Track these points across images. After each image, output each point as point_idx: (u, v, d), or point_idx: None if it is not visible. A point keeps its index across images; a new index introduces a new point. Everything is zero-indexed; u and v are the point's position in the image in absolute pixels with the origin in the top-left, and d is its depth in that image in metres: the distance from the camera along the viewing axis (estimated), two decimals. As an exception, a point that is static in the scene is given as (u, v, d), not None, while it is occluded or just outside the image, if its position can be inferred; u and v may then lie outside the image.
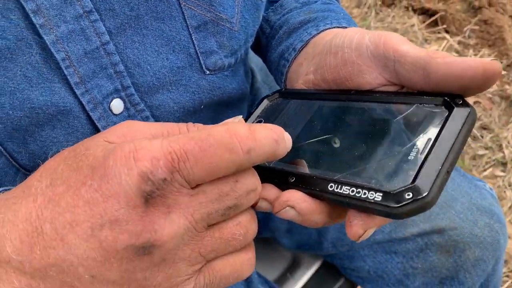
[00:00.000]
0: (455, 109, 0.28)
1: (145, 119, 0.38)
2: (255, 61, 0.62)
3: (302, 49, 0.42)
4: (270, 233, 0.63)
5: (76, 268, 0.24)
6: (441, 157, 0.26)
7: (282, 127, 0.35)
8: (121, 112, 0.36)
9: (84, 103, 0.34)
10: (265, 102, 0.39)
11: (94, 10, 0.33)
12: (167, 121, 0.39)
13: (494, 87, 1.58)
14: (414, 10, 1.87)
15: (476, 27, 1.77)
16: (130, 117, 0.37)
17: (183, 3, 0.36)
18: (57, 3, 0.31)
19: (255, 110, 0.39)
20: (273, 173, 0.31)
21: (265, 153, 0.26)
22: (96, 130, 0.36)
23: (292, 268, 0.59)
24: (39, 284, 0.25)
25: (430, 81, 0.30)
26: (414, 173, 0.26)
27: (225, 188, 0.26)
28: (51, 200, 0.25)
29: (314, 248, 0.60)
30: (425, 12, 1.86)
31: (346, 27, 0.42)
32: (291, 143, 0.28)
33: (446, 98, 0.29)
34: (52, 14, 0.31)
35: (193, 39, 0.38)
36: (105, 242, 0.24)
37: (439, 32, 1.79)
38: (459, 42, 1.74)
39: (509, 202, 1.32)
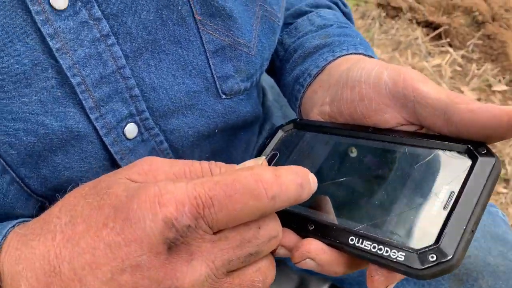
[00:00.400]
0: (480, 159, 0.27)
1: (159, 143, 0.37)
2: (266, 79, 0.62)
3: (317, 75, 0.41)
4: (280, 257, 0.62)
5: None
6: (466, 214, 0.25)
7: (298, 163, 0.35)
8: (135, 137, 0.36)
9: (98, 128, 0.33)
10: (280, 133, 0.39)
11: (111, 34, 0.32)
12: (181, 146, 0.38)
13: (497, 102, 1.58)
14: (418, 23, 1.88)
15: (480, 42, 1.77)
16: (144, 141, 0.36)
17: (202, 28, 0.36)
18: (75, 26, 0.31)
19: (269, 141, 0.38)
20: (291, 218, 0.31)
21: (290, 198, 0.25)
22: (110, 155, 0.35)
23: (300, 290, 0.58)
24: None
25: (451, 126, 0.29)
26: (438, 230, 0.25)
27: (248, 235, 0.25)
28: (70, 239, 0.24)
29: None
30: (429, 25, 1.86)
31: (362, 54, 0.42)
32: (316, 185, 0.27)
33: (469, 146, 0.28)
34: (69, 38, 0.31)
35: (210, 63, 0.37)
36: (125, 286, 0.23)
37: (442, 46, 1.79)
38: (462, 56, 1.74)
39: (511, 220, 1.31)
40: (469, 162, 0.27)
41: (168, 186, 0.24)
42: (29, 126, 0.31)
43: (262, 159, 0.30)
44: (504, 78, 1.64)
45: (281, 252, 0.30)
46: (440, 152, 0.29)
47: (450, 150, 0.29)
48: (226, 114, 0.40)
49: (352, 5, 2.01)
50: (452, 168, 0.28)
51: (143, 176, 0.27)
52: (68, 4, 0.30)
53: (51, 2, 0.29)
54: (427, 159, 0.29)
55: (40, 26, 0.29)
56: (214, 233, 0.25)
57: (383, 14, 1.93)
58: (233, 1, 0.36)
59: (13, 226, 0.28)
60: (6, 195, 0.32)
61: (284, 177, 0.25)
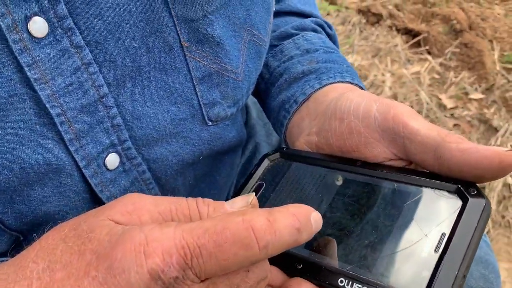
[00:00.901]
0: (470, 200, 0.27)
1: (142, 173, 0.36)
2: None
3: (303, 102, 0.41)
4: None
5: None
6: (458, 259, 0.25)
7: (285, 195, 0.34)
8: (116, 167, 0.34)
9: (77, 160, 0.32)
10: (266, 162, 0.38)
11: (93, 62, 0.31)
12: (164, 174, 0.37)
13: (473, 110, 1.61)
14: (398, 30, 1.90)
15: (457, 50, 1.80)
16: (126, 172, 0.35)
17: (188, 55, 0.34)
18: (55, 55, 0.29)
19: (255, 170, 0.37)
20: (278, 255, 0.30)
21: (284, 245, 0.24)
22: (89, 187, 0.33)
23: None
24: None
25: (442, 165, 0.28)
26: (429, 275, 0.25)
27: (236, 280, 0.24)
28: (47, 286, 0.23)
29: None
30: (408, 32, 1.88)
31: (349, 82, 0.41)
32: (321, 224, 0.25)
33: (459, 186, 0.28)
34: (49, 67, 0.29)
35: (197, 90, 0.36)
36: None
37: (421, 53, 1.81)
38: (441, 64, 1.76)
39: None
40: (459, 203, 0.27)
41: (154, 233, 0.23)
42: (4, 161, 0.29)
43: (251, 196, 0.28)
44: (480, 86, 1.67)
45: None
46: (430, 191, 0.29)
47: (440, 189, 0.29)
48: (211, 141, 0.39)
49: (333, 11, 2.02)
50: (442, 208, 0.28)
51: (127, 216, 0.25)
52: (48, 31, 0.28)
53: (29, 29, 0.28)
54: (416, 197, 0.29)
55: (17, 55, 0.28)
56: (202, 281, 0.23)
57: (364, 21, 1.95)
58: (221, 28, 0.35)
59: None
60: None
61: (279, 222, 0.23)
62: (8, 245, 0.32)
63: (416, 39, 1.83)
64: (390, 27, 1.91)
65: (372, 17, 1.95)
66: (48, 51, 0.29)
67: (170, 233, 0.22)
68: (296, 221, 0.24)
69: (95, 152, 0.32)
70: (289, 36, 0.49)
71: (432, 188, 0.29)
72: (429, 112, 1.57)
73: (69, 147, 0.31)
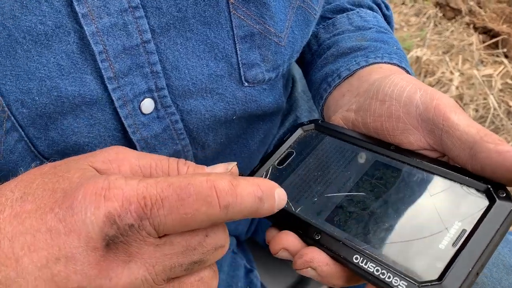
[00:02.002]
0: (497, 202, 0.26)
1: (174, 123, 0.37)
2: (298, 68, 0.60)
3: (346, 78, 0.40)
4: None
5: None
6: (475, 256, 0.24)
7: (314, 167, 0.34)
8: (151, 113, 0.35)
9: (114, 99, 0.33)
10: (299, 132, 0.38)
11: (140, 6, 0.32)
12: (196, 128, 0.38)
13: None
14: (476, 28, 1.79)
15: (539, 57, 1.67)
16: (159, 118, 0.36)
17: (233, 11, 0.34)
18: None
19: (288, 138, 0.37)
20: (299, 223, 0.30)
21: (244, 210, 0.24)
22: (122, 127, 0.35)
23: (300, 285, 0.57)
24: None
25: (476, 163, 0.28)
26: (443, 267, 0.25)
27: (194, 242, 0.24)
28: (17, 215, 0.24)
29: None
30: (487, 32, 1.77)
31: (396, 64, 0.40)
32: (285, 202, 0.27)
33: (489, 186, 0.27)
34: (97, 4, 0.30)
35: (237, 49, 0.36)
36: (57, 276, 0.22)
37: (497, 56, 1.70)
38: (517, 70, 1.65)
39: None
40: (486, 203, 0.27)
41: (118, 180, 0.23)
42: (43, 87, 0.31)
43: (232, 164, 0.29)
44: (558, 99, 1.55)
45: (284, 254, 0.29)
46: (458, 186, 0.28)
47: (468, 186, 0.28)
48: (246, 102, 0.39)
49: (409, 0, 1.93)
50: (467, 205, 0.27)
51: (107, 164, 0.26)
52: None
53: None
54: (444, 190, 0.29)
55: None
56: (159, 237, 0.24)
57: (440, 14, 1.85)
58: None
59: None
60: (12, 152, 0.32)
61: (242, 188, 0.24)
62: None
63: (494, 40, 1.72)
64: (468, 24, 1.80)
65: (450, 12, 1.84)
66: None
67: (134, 184, 0.23)
68: (259, 190, 0.25)
69: (132, 95, 0.34)
70: (343, 10, 0.48)
71: (461, 183, 0.28)
72: (495, 119, 1.48)
73: (108, 85, 0.32)
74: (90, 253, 0.22)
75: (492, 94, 1.54)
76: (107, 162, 0.26)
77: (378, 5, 0.50)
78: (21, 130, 0.32)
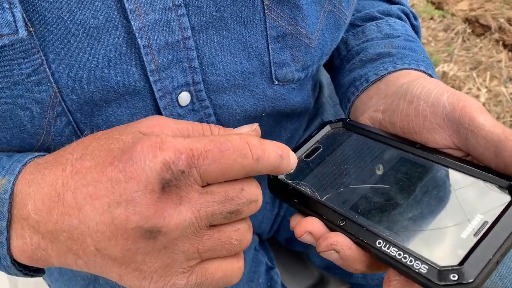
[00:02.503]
0: None
1: (207, 116, 0.39)
2: (325, 74, 0.62)
3: (374, 82, 0.42)
4: (304, 248, 0.64)
5: (85, 238, 0.27)
6: (495, 245, 0.26)
7: (340, 161, 0.36)
8: (187, 105, 0.38)
9: (154, 90, 0.36)
10: (327, 128, 0.39)
11: (183, 5, 0.34)
12: (227, 121, 0.40)
13: None
14: (505, 45, 1.77)
15: None
16: (194, 111, 0.38)
17: (268, 13, 0.37)
18: None
19: (315, 134, 0.39)
20: (325, 210, 0.32)
21: (270, 164, 0.29)
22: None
23: (319, 286, 0.58)
24: (47, 245, 0.28)
25: (499, 161, 0.29)
26: (464, 254, 0.26)
27: (232, 193, 0.28)
28: (78, 172, 0.27)
29: (343, 273, 0.59)
30: (516, 50, 1.75)
31: (423, 71, 0.42)
32: (296, 162, 0.32)
33: (511, 183, 0.29)
34: (144, 2, 0.33)
35: (270, 48, 0.38)
36: (117, 219, 0.26)
37: (527, 74, 1.68)
38: (547, 88, 1.62)
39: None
40: (508, 198, 0.28)
41: (168, 137, 0.27)
42: (92, 77, 0.33)
43: (255, 125, 0.34)
44: None
45: (308, 238, 0.31)
46: (481, 182, 0.30)
47: (491, 183, 0.30)
48: (275, 100, 0.41)
49: (437, 16, 1.93)
50: (490, 199, 0.29)
51: (151, 128, 0.30)
52: None
53: None
54: (467, 185, 0.30)
55: None
56: (203, 187, 0.27)
57: (468, 30, 1.84)
58: None
59: (34, 157, 0.32)
60: (61, 135, 0.35)
61: (267, 145, 0.29)
62: None
63: (523, 57, 1.70)
64: (497, 41, 1.79)
65: (479, 28, 1.84)
66: None
67: (182, 140, 0.27)
68: (279, 149, 0.29)
69: (171, 87, 0.36)
70: (373, 18, 0.49)
71: (484, 180, 0.30)
72: (522, 137, 1.46)
73: (149, 77, 0.35)
74: (148, 195, 0.26)
75: (520, 111, 1.52)
76: (151, 127, 0.30)
77: (407, 15, 0.51)
78: (69, 115, 0.34)
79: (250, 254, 0.56)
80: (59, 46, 0.32)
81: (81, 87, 0.34)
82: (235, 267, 0.30)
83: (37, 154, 0.33)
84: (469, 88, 1.63)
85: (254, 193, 0.29)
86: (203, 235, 0.28)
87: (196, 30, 0.36)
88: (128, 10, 0.32)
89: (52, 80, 0.33)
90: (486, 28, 1.82)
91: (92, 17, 0.32)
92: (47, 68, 0.32)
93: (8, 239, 0.29)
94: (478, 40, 1.81)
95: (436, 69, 1.70)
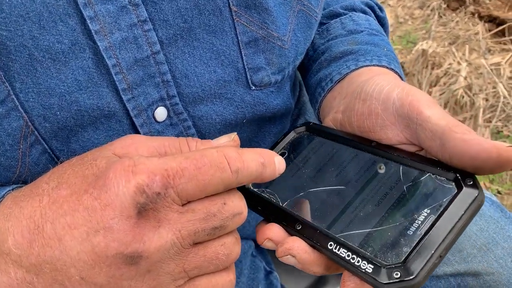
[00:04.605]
0: (464, 189, 0.28)
1: (187, 128, 0.38)
2: None
3: (338, 82, 0.42)
4: None
5: (68, 268, 0.26)
6: (438, 240, 0.26)
7: (301, 166, 0.37)
8: (164, 120, 0.37)
9: (129, 109, 0.35)
10: (292, 134, 0.40)
11: (148, 20, 0.33)
12: (208, 132, 0.40)
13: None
14: (481, 17, 1.78)
15: (547, 42, 1.66)
16: (172, 125, 0.37)
17: (237, 19, 0.36)
18: (114, 11, 0.32)
19: (281, 140, 0.40)
20: (283, 215, 0.33)
21: (251, 174, 0.28)
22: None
23: (319, 285, 0.58)
24: (32, 278, 0.27)
25: (445, 152, 0.29)
26: (408, 250, 0.26)
27: (213, 209, 0.28)
28: (55, 201, 0.27)
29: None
30: (492, 21, 1.76)
31: (386, 66, 0.42)
32: (284, 167, 0.31)
33: (458, 175, 0.29)
34: (108, 21, 0.32)
35: (243, 54, 0.38)
36: (97, 247, 0.25)
37: (504, 43, 1.69)
38: (525, 56, 1.64)
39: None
40: (454, 191, 0.28)
41: (141, 158, 0.26)
42: (64, 102, 0.32)
43: (234, 134, 0.33)
44: None
45: (268, 244, 0.32)
46: (431, 176, 0.30)
47: (440, 176, 0.30)
48: (254, 105, 0.40)
49: (412, -6, 1.93)
50: (437, 193, 0.29)
51: (125, 149, 0.29)
52: None
53: None
54: (417, 180, 0.31)
55: (81, 9, 0.31)
56: (182, 205, 0.27)
57: (444, 6, 1.85)
58: None
59: (11, 189, 0.31)
60: (37, 164, 0.34)
61: (247, 155, 0.28)
62: None
63: (500, 27, 1.71)
64: (473, 13, 1.80)
65: (454, 2, 1.84)
66: (108, 6, 0.32)
67: (155, 160, 0.26)
68: (261, 157, 0.29)
69: (146, 104, 0.35)
70: (337, 15, 0.49)
71: (433, 174, 0.30)
72: (506, 107, 1.48)
73: (122, 96, 0.34)
74: (125, 221, 0.25)
75: (501, 82, 1.53)
76: (125, 147, 0.30)
77: (371, 8, 0.51)
78: (44, 143, 0.33)
79: (247, 261, 0.55)
80: (25, 75, 0.31)
81: (53, 114, 0.33)
82: (225, 281, 0.30)
83: (14, 186, 0.32)
84: (450, 64, 1.64)
85: (237, 206, 0.29)
86: (188, 254, 0.27)
87: (165, 44, 0.35)
88: (93, 31, 0.32)
89: (21, 110, 0.32)
90: (461, 1, 1.82)
91: (57, 42, 0.31)
92: (15, 99, 0.31)
93: None
94: (454, 15, 1.82)
95: (415, 48, 1.71)
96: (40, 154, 0.34)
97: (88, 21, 0.31)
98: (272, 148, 0.40)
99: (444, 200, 0.28)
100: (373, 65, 0.41)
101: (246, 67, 0.38)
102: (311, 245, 0.30)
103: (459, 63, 1.64)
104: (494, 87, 1.53)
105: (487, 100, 1.51)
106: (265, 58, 0.39)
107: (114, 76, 0.33)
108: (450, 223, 0.27)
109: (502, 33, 1.71)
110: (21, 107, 0.31)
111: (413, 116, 0.31)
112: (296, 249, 0.30)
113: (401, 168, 0.32)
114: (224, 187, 0.28)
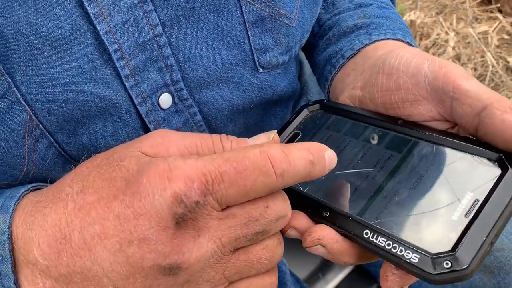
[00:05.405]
0: (510, 170, 0.26)
1: (193, 115, 0.36)
2: (303, 53, 0.59)
3: (351, 57, 0.40)
4: None
5: (100, 278, 0.24)
6: (488, 226, 0.24)
7: None
8: (169, 107, 0.35)
9: (132, 96, 0.33)
10: (305, 112, 0.37)
11: (149, 0, 0.31)
12: (215, 118, 0.38)
13: (544, 76, 1.50)
14: (467, -15, 1.76)
15: (533, 9, 1.65)
16: (178, 112, 0.36)
17: None
18: None
19: (293, 119, 0.37)
20: (307, 202, 0.30)
21: (299, 175, 0.25)
22: (145, 125, 0.34)
23: (324, 269, 0.57)
24: None
25: (481, 129, 0.28)
26: (456, 238, 0.24)
27: (255, 213, 0.25)
28: (81, 208, 0.25)
29: None
30: (479, -12, 1.74)
31: (401, 40, 0.40)
32: (335, 161, 0.27)
33: (501, 155, 0.27)
34: (107, 3, 0.30)
35: (249, 34, 0.36)
36: (132, 258, 0.24)
37: (491, 11, 1.68)
38: (512, 24, 1.64)
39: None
40: (498, 172, 0.26)
41: (177, 161, 0.24)
42: (69, 93, 0.30)
43: (273, 133, 0.29)
44: (555, 50, 1.54)
45: (292, 233, 0.30)
46: (470, 156, 0.28)
47: (480, 156, 0.28)
48: (262, 89, 0.39)
49: (397, -37, 1.90)
50: (479, 174, 0.27)
51: (155, 148, 0.27)
52: None
53: None
54: (455, 161, 0.28)
55: None
56: (222, 210, 0.25)
57: (430, -26, 1.82)
58: None
59: (28, 190, 0.29)
60: (44, 159, 0.32)
61: (293, 154, 0.25)
62: None
63: (487, -5, 1.70)
64: (459, -18, 1.77)
65: (440, -29, 1.82)
66: None
67: (192, 163, 0.24)
68: (310, 154, 0.25)
69: (149, 91, 0.33)
70: None
71: (472, 154, 0.28)
72: (495, 76, 1.48)
73: (125, 83, 0.32)
74: (162, 232, 0.23)
75: (489, 51, 1.53)
76: (154, 146, 0.27)
77: None
78: (50, 137, 0.31)
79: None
80: (26, 65, 0.29)
81: (58, 106, 0.30)
82: (267, 283, 0.27)
83: (30, 186, 0.29)
84: (438, 34, 1.62)
85: (281, 209, 0.26)
86: (228, 260, 0.25)
87: (167, 25, 0.33)
88: (91, 15, 0.29)
89: (24, 103, 0.29)
90: (447, -30, 1.80)
91: (56, 27, 0.29)
92: (16, 91, 0.29)
93: (17, 285, 0.27)
94: (440, -17, 1.79)
95: (403, 18, 1.69)
96: (47, 149, 0.32)
97: (86, 4, 0.29)
98: (284, 128, 0.37)
99: (489, 182, 0.26)
100: (388, 38, 0.39)
101: (253, 48, 0.36)
102: (341, 234, 0.28)
103: (447, 33, 1.63)
104: (482, 56, 1.53)
105: (475, 69, 1.51)
106: (272, 38, 0.37)
107: (116, 62, 0.31)
108: (499, 206, 0.25)
109: (488, 1, 1.70)
110: (23, 100, 0.29)
111: (448, 90, 0.29)
112: (326, 238, 0.28)
113: (435, 147, 0.30)
114: (268, 191, 0.25)
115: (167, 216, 0.23)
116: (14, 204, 0.27)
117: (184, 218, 0.23)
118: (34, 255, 0.25)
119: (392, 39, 0.39)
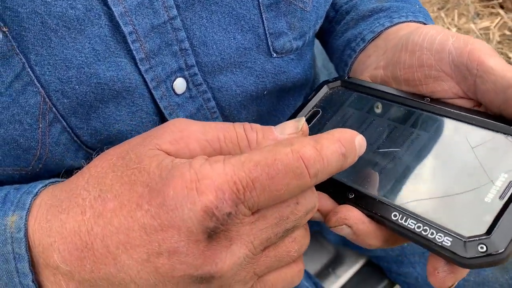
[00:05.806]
0: None
1: (206, 101, 0.36)
2: (315, 43, 0.59)
3: (371, 41, 0.39)
4: (317, 227, 0.62)
5: (128, 284, 0.23)
6: None
7: (342, 125, 0.33)
8: (183, 93, 0.35)
9: (147, 80, 0.32)
10: (325, 89, 0.36)
11: None
12: (228, 105, 0.37)
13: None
14: (469, -19, 1.76)
15: (534, 5, 1.65)
16: (192, 98, 0.35)
17: None
18: None
19: (313, 97, 0.36)
20: (330, 183, 0.29)
21: (332, 171, 0.24)
22: (158, 110, 0.34)
23: (335, 264, 0.57)
24: None
25: (508, 108, 0.27)
26: (491, 221, 0.23)
27: (286, 212, 0.24)
28: (101, 215, 0.23)
29: (360, 247, 0.58)
30: (480, -16, 1.74)
31: (423, 22, 0.39)
32: (365, 148, 0.25)
33: None
34: None
35: (264, 18, 0.35)
36: (162, 268, 0.22)
37: (493, 7, 1.68)
38: (514, 20, 1.64)
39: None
40: None
41: (204, 169, 0.22)
42: (82, 75, 0.30)
43: (302, 121, 0.27)
44: (556, 46, 1.54)
45: (315, 215, 0.29)
46: (502, 136, 0.27)
47: None
48: (275, 74, 0.38)
49: (399, -41, 1.90)
50: None
51: (175, 145, 0.25)
52: None
53: None
54: (487, 141, 0.27)
55: None
56: (253, 214, 0.23)
57: (432, -30, 1.82)
58: None
59: (45, 185, 0.27)
60: (57, 144, 0.31)
61: (326, 149, 0.23)
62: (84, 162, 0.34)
63: (488, -9, 1.69)
64: (461, -23, 1.77)
65: (442, -34, 1.81)
66: None
67: (220, 169, 0.22)
68: (342, 147, 0.24)
69: (164, 75, 0.33)
70: None
71: (504, 133, 0.27)
72: (496, 71, 1.48)
73: (140, 66, 0.31)
74: (193, 245, 0.22)
75: (491, 46, 1.53)
76: (174, 142, 0.25)
77: None
78: (63, 121, 0.31)
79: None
80: (40, 45, 0.28)
81: (71, 89, 0.30)
82: (295, 271, 0.27)
83: (48, 182, 0.28)
84: (439, 29, 1.62)
85: (310, 202, 0.25)
86: (259, 258, 0.25)
87: (182, 8, 0.32)
88: None
89: (38, 85, 0.29)
90: (449, -35, 1.80)
91: (70, 7, 0.28)
92: (31, 72, 0.28)
93: (37, 284, 0.26)
94: (442, -21, 1.79)
95: (405, 14, 1.69)
96: (60, 133, 0.31)
97: None
98: (303, 106, 0.36)
99: None
100: (409, 21, 0.39)
101: (267, 32, 0.36)
102: (368, 216, 0.27)
103: (448, 28, 1.63)
104: (484, 52, 1.53)
105: (477, 65, 1.51)
106: (286, 22, 0.36)
107: (131, 45, 0.31)
108: None
109: (490, -3, 1.70)
110: (37, 81, 0.29)
111: (472, 67, 0.29)
112: (352, 219, 0.27)
113: (465, 126, 0.29)
114: (300, 191, 0.24)
115: (197, 231, 0.22)
116: (31, 200, 0.26)
117: (217, 231, 0.22)
118: (55, 260, 0.24)
119: (414, 21, 0.39)
